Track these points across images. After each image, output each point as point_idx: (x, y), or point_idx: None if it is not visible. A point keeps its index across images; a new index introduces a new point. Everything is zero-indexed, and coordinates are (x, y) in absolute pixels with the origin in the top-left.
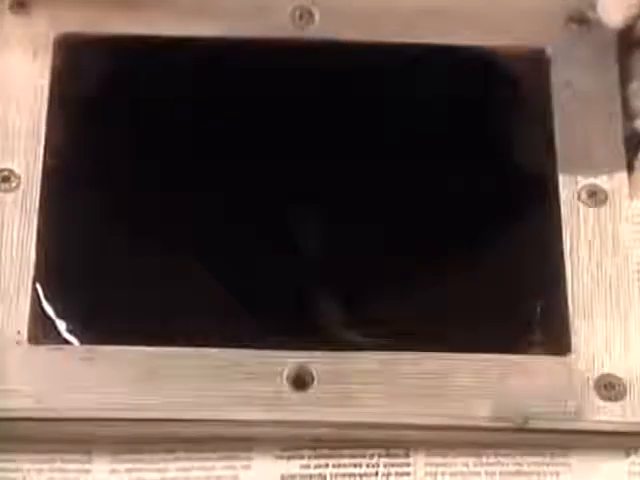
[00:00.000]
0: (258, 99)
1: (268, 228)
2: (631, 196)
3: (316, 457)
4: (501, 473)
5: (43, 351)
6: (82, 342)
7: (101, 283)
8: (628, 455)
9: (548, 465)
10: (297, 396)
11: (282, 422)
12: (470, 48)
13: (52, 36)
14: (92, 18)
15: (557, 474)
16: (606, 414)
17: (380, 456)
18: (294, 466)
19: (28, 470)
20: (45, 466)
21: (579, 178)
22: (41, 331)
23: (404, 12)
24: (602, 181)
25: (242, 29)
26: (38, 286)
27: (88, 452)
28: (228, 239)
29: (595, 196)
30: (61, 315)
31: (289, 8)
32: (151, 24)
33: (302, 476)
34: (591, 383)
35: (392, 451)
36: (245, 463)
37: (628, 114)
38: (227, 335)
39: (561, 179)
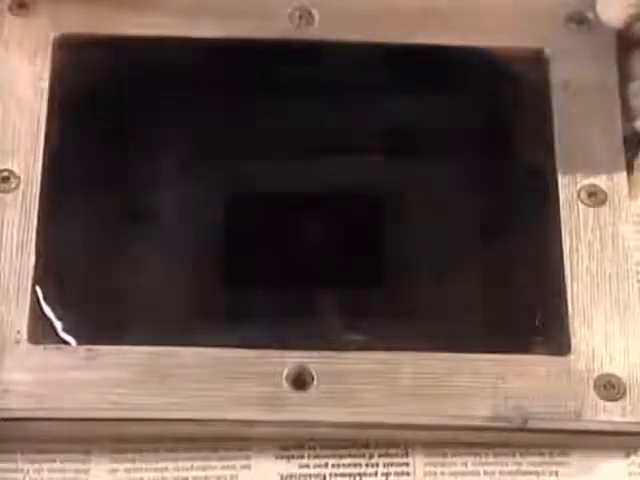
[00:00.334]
0: (258, 99)
1: (268, 228)
2: (631, 196)
3: (315, 457)
4: (500, 473)
5: (43, 351)
6: (82, 342)
7: (101, 283)
8: (628, 455)
9: (548, 465)
10: (297, 396)
11: (282, 422)
12: (470, 48)
13: (52, 36)
14: (92, 18)
15: (556, 474)
16: (606, 414)
17: (380, 456)
18: (293, 466)
19: (28, 470)
20: (45, 466)
21: (579, 178)
22: (41, 331)
23: (404, 12)
24: (602, 181)
25: (242, 29)
26: (38, 286)
27: (87, 452)
28: (228, 238)
29: (595, 196)
30: (61, 315)
31: (289, 9)
32: (151, 24)
33: (301, 476)
34: (591, 383)
35: (391, 451)
36: (244, 463)
37: (628, 114)
38: (227, 335)
39: (561, 179)
